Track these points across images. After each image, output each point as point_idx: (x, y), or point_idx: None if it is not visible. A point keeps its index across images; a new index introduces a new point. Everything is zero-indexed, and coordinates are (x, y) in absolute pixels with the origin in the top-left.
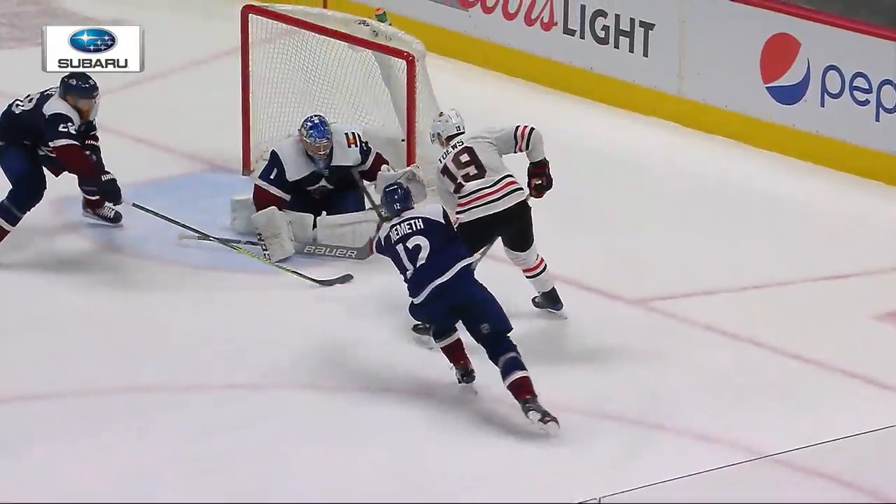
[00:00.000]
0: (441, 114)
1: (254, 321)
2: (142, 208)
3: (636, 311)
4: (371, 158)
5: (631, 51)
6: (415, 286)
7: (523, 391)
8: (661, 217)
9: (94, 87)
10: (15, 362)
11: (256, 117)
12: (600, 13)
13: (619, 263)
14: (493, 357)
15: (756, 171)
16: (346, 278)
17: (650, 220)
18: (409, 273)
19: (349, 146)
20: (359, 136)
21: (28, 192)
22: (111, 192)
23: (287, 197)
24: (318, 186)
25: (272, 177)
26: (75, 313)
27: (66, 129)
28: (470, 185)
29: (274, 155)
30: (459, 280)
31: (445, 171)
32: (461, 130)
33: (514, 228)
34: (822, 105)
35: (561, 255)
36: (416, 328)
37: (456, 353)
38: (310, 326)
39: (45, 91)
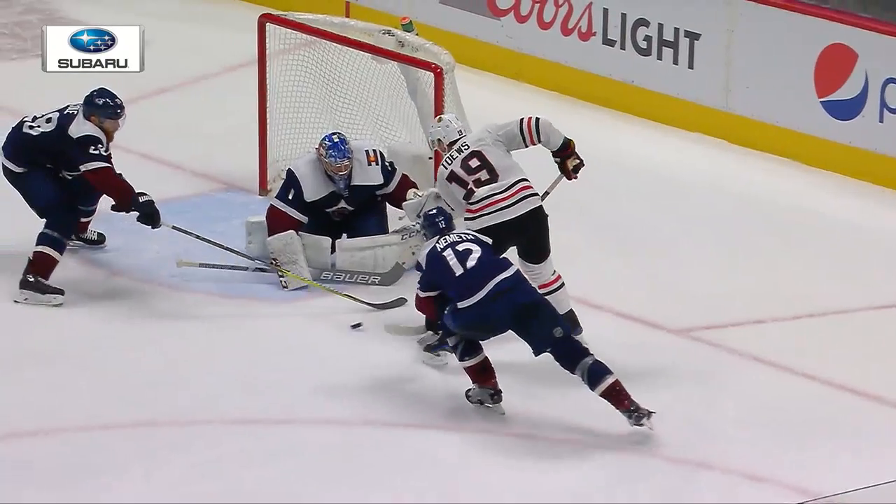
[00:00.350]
0: (440, 119)
1: (269, 351)
2: (182, 231)
3: (679, 342)
4: (396, 180)
5: (675, 62)
6: (468, 287)
7: (623, 398)
8: (706, 240)
9: (121, 107)
10: (12, 396)
11: (274, 133)
12: (642, 22)
13: (661, 289)
14: (570, 362)
15: (809, 190)
16: (399, 302)
17: (694, 243)
18: (457, 274)
19: (369, 164)
20: (381, 153)
21: (68, 217)
22: (150, 214)
23: (304, 219)
24: (337, 208)
25: (289, 197)
26: (78, 342)
27: (97, 152)
28: (481, 191)
29: (290, 174)
30: (521, 279)
31: (453, 177)
32: (463, 134)
33: (528, 237)
34: (881, 121)
35: (598, 279)
36: (428, 347)
37: (487, 372)
38: (328, 357)
39: (64, 110)
